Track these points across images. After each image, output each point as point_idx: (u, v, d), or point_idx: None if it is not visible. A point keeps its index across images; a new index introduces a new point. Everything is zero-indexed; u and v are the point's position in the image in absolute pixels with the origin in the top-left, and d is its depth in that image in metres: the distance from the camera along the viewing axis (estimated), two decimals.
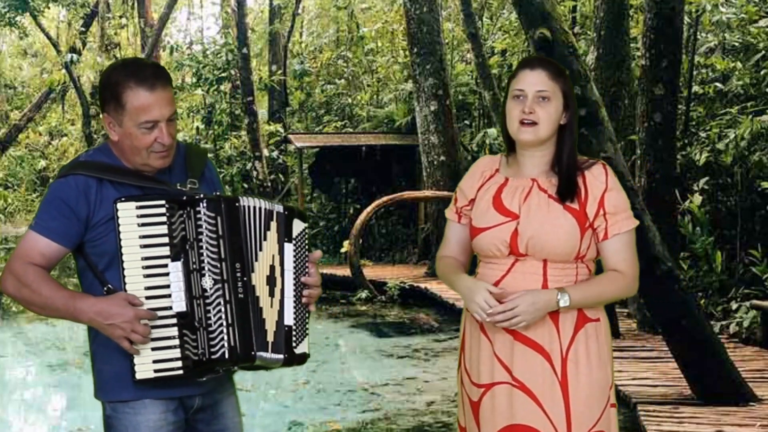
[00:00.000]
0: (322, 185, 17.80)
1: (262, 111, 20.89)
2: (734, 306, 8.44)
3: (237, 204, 2.61)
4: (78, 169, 2.61)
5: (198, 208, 2.54)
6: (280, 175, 19.63)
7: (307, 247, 2.75)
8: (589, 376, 2.70)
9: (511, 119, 2.76)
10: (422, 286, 12.60)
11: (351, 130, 19.24)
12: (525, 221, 2.72)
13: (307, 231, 2.76)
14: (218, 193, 2.71)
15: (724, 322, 8.37)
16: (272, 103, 21.10)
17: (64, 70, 22.90)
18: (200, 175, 2.74)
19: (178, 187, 2.64)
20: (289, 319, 2.67)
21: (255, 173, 18.76)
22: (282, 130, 19.74)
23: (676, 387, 6.36)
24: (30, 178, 29.53)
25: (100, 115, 2.73)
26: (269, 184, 18.86)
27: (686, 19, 9.81)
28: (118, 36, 25.64)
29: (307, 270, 2.73)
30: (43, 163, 29.56)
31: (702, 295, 8.87)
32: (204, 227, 2.54)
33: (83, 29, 24.97)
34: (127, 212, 2.51)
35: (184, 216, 2.54)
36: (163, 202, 2.55)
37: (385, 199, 13.60)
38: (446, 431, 6.49)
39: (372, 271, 13.83)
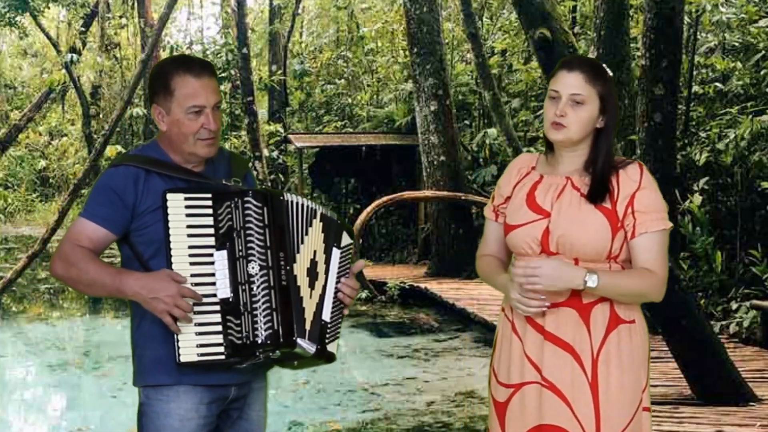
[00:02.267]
0: (322, 185, 17.81)
1: (262, 111, 20.89)
2: (734, 306, 8.44)
3: (281, 198, 2.74)
4: (127, 161, 2.74)
5: (246, 198, 2.65)
6: (280, 175, 19.63)
7: (350, 260, 2.90)
8: (620, 378, 2.66)
9: (545, 119, 2.77)
10: (422, 286, 12.59)
11: (351, 130, 19.25)
12: (556, 219, 2.70)
13: (351, 247, 2.91)
14: (264, 187, 2.83)
15: (724, 322, 8.37)
16: (272, 103, 21.11)
17: (64, 70, 22.88)
18: (242, 178, 2.86)
19: (223, 182, 2.77)
20: (326, 315, 2.79)
21: (255, 173, 18.76)
22: (282, 130, 19.75)
23: (676, 387, 6.36)
24: (30, 178, 29.51)
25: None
26: (269, 184, 18.86)
27: (686, 19, 9.81)
28: (118, 36, 25.65)
29: (347, 276, 2.88)
30: (43, 163, 29.54)
31: (702, 295, 8.87)
32: (252, 216, 2.64)
33: (83, 29, 24.96)
34: (176, 203, 2.62)
35: (232, 206, 2.64)
36: (209, 195, 2.66)
37: (385, 199, 13.60)
38: (446, 431, 6.49)
39: (372, 271, 13.83)
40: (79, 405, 7.64)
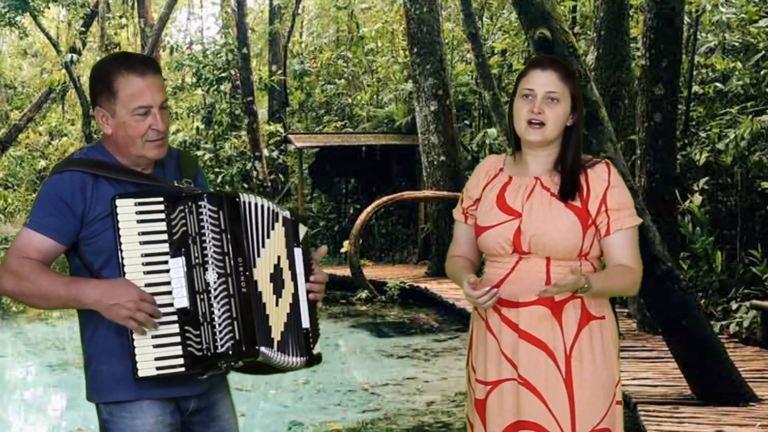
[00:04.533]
0: (322, 185, 17.80)
1: (262, 111, 20.89)
2: (734, 306, 8.43)
3: (237, 200, 2.61)
4: (73, 166, 2.59)
5: (200, 203, 2.53)
6: (280, 175, 19.63)
7: (309, 249, 2.78)
8: (593, 373, 2.71)
9: (519, 118, 2.77)
10: (422, 286, 12.60)
11: (351, 130, 19.24)
12: (527, 219, 2.74)
13: (309, 233, 2.80)
14: (219, 189, 2.74)
15: (724, 322, 8.36)
16: (272, 103, 21.11)
17: (64, 70, 22.89)
18: (193, 178, 2.74)
19: (175, 184, 2.65)
20: (306, 322, 2.71)
21: (255, 173, 18.76)
22: (282, 130, 19.75)
23: (676, 387, 6.36)
24: (30, 178, 29.51)
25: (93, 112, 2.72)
26: (269, 184, 18.86)
27: (686, 19, 9.81)
28: (118, 36, 25.63)
29: (312, 269, 2.76)
30: (43, 163, 29.53)
31: (702, 295, 8.87)
32: (207, 221, 2.52)
33: (83, 29, 24.97)
34: (126, 208, 2.50)
35: (186, 211, 2.52)
36: (161, 199, 2.53)
37: (385, 199, 13.60)
38: (446, 431, 6.49)
39: (372, 271, 13.83)
40: (79, 405, 7.62)
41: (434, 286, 12.36)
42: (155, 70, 2.61)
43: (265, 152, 19.10)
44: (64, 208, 2.53)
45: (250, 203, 2.62)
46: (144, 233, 2.50)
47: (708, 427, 5.44)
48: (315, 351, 2.74)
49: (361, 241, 13.24)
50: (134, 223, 2.49)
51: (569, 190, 2.75)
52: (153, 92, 2.57)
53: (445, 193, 13.56)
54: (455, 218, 2.98)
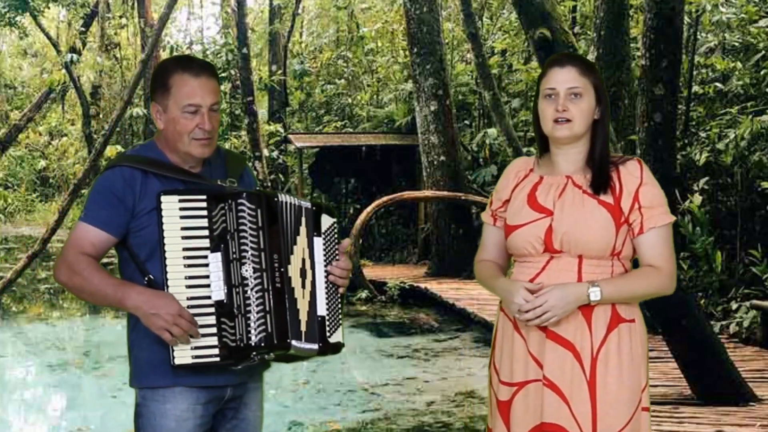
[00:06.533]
0: (322, 185, 17.82)
1: (262, 111, 20.89)
2: (734, 306, 8.43)
3: (276, 199, 2.71)
4: (124, 161, 2.74)
5: (240, 200, 2.63)
6: (280, 175, 19.64)
7: (336, 240, 2.86)
8: (618, 377, 2.66)
9: (545, 118, 2.74)
10: (422, 286, 12.59)
11: (351, 130, 19.26)
12: (559, 217, 2.69)
13: (336, 225, 2.88)
14: (258, 188, 2.87)
15: (724, 322, 8.36)
16: (272, 103, 21.11)
17: (64, 70, 22.88)
18: (239, 177, 2.85)
19: (219, 183, 2.76)
20: (322, 310, 2.78)
21: (255, 173, 18.75)
22: (282, 130, 19.75)
23: (676, 387, 6.36)
24: (30, 178, 29.54)
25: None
26: (269, 184, 18.85)
27: (686, 19, 9.82)
28: (118, 36, 25.66)
29: (337, 258, 2.85)
30: (43, 163, 29.56)
31: (702, 295, 8.87)
32: (246, 218, 2.63)
33: (83, 29, 24.96)
34: (171, 204, 2.62)
35: (225, 208, 2.63)
36: (204, 197, 2.65)
37: (385, 199, 13.61)
38: (446, 431, 6.49)
39: (372, 271, 13.84)
40: (79, 405, 7.64)
41: (434, 286, 12.36)
42: (210, 74, 2.75)
43: (265, 152, 19.09)
44: (115, 202, 2.67)
45: (286, 203, 2.73)
46: (186, 228, 2.63)
47: (708, 427, 5.44)
48: (333, 339, 2.79)
49: (361, 241, 13.24)
50: (177, 218, 2.62)
51: (600, 183, 2.70)
52: (204, 93, 2.70)
53: (445, 193, 13.57)
54: (484, 221, 2.94)
